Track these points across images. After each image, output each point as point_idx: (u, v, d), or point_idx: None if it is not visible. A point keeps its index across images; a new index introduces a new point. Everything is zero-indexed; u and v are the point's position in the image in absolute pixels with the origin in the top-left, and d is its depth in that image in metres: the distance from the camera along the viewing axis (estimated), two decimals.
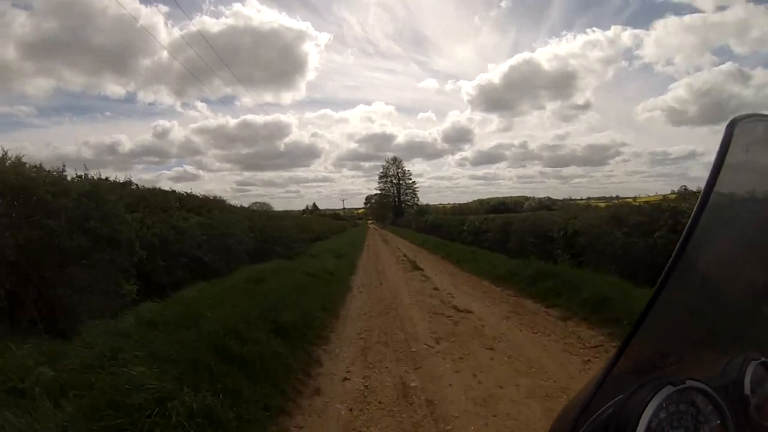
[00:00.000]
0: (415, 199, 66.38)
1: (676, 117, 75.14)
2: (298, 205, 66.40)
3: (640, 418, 0.46)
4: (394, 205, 67.14)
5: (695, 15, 69.72)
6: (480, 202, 33.33)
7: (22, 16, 58.43)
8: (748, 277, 0.59)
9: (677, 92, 73.91)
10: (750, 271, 0.59)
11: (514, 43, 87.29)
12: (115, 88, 73.95)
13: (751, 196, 0.54)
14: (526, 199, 23.65)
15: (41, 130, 72.61)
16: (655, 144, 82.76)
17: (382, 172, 67.97)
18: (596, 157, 75.65)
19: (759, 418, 0.55)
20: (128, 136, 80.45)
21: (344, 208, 73.97)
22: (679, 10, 71.49)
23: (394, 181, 67.73)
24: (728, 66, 70.34)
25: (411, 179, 67.81)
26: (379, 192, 67.74)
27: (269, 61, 78.24)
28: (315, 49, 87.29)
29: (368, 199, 74.44)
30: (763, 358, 0.59)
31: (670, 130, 77.75)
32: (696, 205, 0.45)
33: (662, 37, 74.25)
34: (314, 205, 70.21)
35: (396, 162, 67.61)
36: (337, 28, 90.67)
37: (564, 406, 0.53)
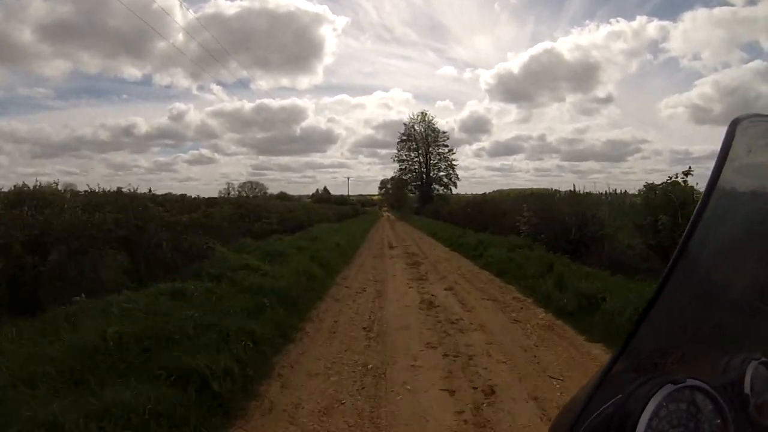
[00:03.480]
0: (453, 176, 42.90)
1: (701, 115, 72.54)
2: (312, 191, 63.77)
3: (640, 416, 0.47)
4: (420, 185, 43.49)
5: (725, 8, 65.01)
6: (500, 192, 26.30)
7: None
8: (749, 276, 0.62)
9: (703, 89, 71.49)
10: (751, 270, 0.62)
11: (535, 31, 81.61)
12: (131, 71, 76.22)
13: (753, 195, 0.57)
14: (557, 192, 14.29)
15: (59, 112, 75.22)
16: (677, 142, 79.22)
17: (402, 135, 44.66)
18: (615, 152, 76.13)
19: (759, 418, 0.57)
20: (144, 118, 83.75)
21: (349, 194, 63.48)
22: (708, 2, 68.89)
23: (421, 147, 44.05)
24: (756, 64, 66.21)
25: (447, 146, 44.15)
26: (398, 166, 44.37)
27: (285, 44, 76.26)
28: (332, 33, 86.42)
29: (383, 183, 63.52)
30: (763, 358, 0.60)
31: (693, 129, 76.23)
32: (698, 204, 0.47)
33: (690, 30, 75.44)
34: (324, 188, 63.75)
35: (424, 118, 44.16)
36: (352, 14, 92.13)
37: (564, 404, 0.54)
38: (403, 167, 46.94)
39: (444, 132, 46.80)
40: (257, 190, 43.99)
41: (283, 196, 38.59)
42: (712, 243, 0.51)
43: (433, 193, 45.91)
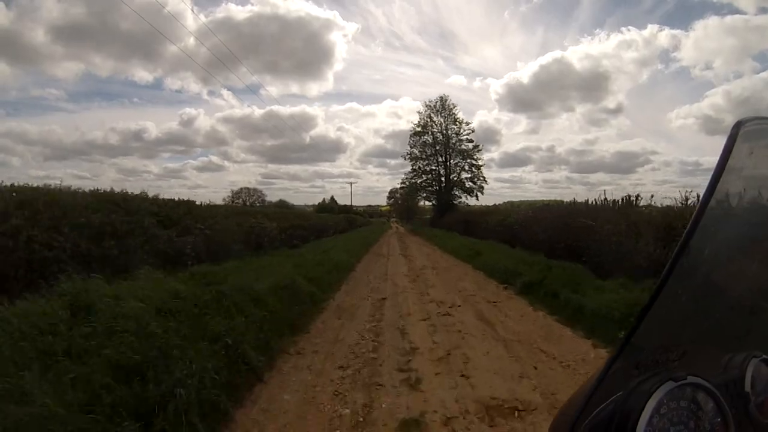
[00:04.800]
0: (479, 180, 32.34)
1: (711, 126, 71.23)
2: (320, 201, 61.32)
3: (641, 413, 0.47)
4: (438, 191, 32.84)
5: (737, 16, 64.08)
6: (511, 204, 23.82)
7: (51, 1, 56.60)
8: (749, 275, 0.62)
9: (714, 99, 71.23)
10: (752, 269, 0.62)
11: (544, 41, 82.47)
12: (142, 75, 73.63)
13: (754, 195, 0.57)
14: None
15: (70, 114, 74.43)
16: (687, 153, 79.52)
17: (416, 126, 34.36)
18: (624, 164, 73.15)
19: (759, 415, 0.56)
20: (155, 122, 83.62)
21: (352, 203, 57.81)
22: (720, 10, 64.73)
23: (440, 141, 33.66)
24: None
25: (471, 141, 33.62)
26: (410, 167, 34.16)
27: (296, 49, 75.63)
28: (342, 40, 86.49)
29: (392, 193, 60.85)
30: (764, 356, 0.61)
31: (703, 140, 75.11)
32: (699, 203, 0.47)
33: (701, 39, 72.02)
34: (332, 198, 61.30)
35: (444, 104, 33.86)
36: (362, 21, 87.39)
37: (566, 402, 0.54)
38: (417, 167, 36.47)
39: (467, 123, 36.36)
40: (255, 197, 41.53)
41: (282, 205, 34.74)
42: (713, 241, 0.51)
43: (453, 200, 35.47)
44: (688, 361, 0.54)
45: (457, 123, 36.51)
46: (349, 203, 56.43)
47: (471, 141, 36.20)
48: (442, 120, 36.84)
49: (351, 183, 64.30)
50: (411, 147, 36.79)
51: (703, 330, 0.59)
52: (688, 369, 0.52)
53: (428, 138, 36.36)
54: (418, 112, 36.60)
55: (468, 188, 36.02)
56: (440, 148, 36.52)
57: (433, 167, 36.69)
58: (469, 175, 36.07)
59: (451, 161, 36.56)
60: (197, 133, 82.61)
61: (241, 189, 42.21)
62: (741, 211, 0.56)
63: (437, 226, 30.99)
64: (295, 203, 46.01)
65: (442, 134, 36.58)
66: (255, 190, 43.13)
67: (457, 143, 36.52)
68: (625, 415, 0.47)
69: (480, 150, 36.31)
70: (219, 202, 17.53)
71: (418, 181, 37.01)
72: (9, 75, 76.62)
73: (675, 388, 0.50)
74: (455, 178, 36.58)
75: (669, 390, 0.49)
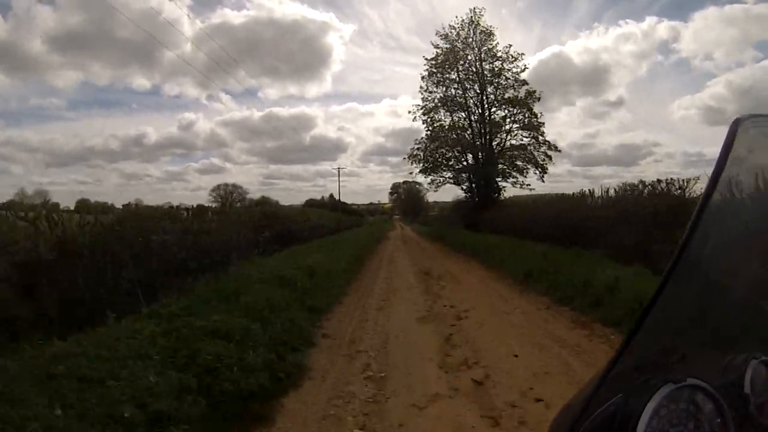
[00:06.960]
0: (544, 146, 15.41)
1: (713, 116, 70.97)
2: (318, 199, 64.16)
3: (641, 416, 0.51)
4: (474, 165, 15.18)
5: (736, 6, 63.46)
6: (518, 199, 19.50)
7: (47, 10, 61.30)
8: (750, 276, 0.66)
9: (715, 89, 71.75)
10: (752, 270, 0.66)
11: (542, 36, 77.61)
12: (140, 81, 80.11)
13: (754, 194, 0.61)
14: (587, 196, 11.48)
15: (71, 123, 79.83)
16: (690, 144, 79.62)
17: (432, 61, 18.19)
18: (627, 156, 72.21)
19: (759, 417, 0.60)
20: (154, 128, 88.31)
21: (340, 197, 50.73)
22: (718, 0, 64.82)
23: (475, 86, 16.68)
24: None
25: (526, 83, 17.90)
26: (425, 131, 18.63)
27: (293, 52, 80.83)
28: (339, 42, 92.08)
29: (394, 187, 58.97)
30: (763, 357, 0.64)
31: (705, 130, 73.60)
32: (698, 203, 0.50)
33: (701, 30, 75.57)
34: (330, 195, 56.85)
35: (473, 27, 17.01)
36: (358, 22, 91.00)
37: (566, 403, 0.58)
38: (434, 127, 21.19)
39: (515, 58, 21.20)
40: (235, 194, 40.90)
41: (264, 202, 31.49)
42: (713, 242, 0.54)
43: (501, 181, 20.38)
44: (688, 363, 0.57)
45: (500, 57, 21.13)
46: (352, 201, 55.85)
47: (525, 83, 21.06)
48: (473, 54, 21.43)
49: (338, 169, 47.83)
50: (424, 100, 21.55)
51: (702, 331, 0.62)
52: (687, 371, 0.55)
53: (453, 75, 20.99)
54: (433, 44, 21.42)
55: (522, 166, 20.62)
56: (475, 97, 21.22)
57: (463, 125, 21.39)
58: (528, 140, 20.81)
59: (492, 117, 21.21)
60: (197, 137, 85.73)
61: (219, 185, 42.84)
62: (740, 209, 0.58)
63: (476, 227, 16.21)
64: (295, 202, 45.04)
65: (476, 75, 21.17)
66: (235, 186, 43.44)
67: (500, 90, 21.16)
68: (626, 416, 0.49)
69: (538, 99, 21.10)
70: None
71: (439, 151, 21.45)
72: (8, 86, 78.75)
73: (674, 390, 0.52)
74: (500, 147, 21.23)
75: (668, 392, 0.52)
